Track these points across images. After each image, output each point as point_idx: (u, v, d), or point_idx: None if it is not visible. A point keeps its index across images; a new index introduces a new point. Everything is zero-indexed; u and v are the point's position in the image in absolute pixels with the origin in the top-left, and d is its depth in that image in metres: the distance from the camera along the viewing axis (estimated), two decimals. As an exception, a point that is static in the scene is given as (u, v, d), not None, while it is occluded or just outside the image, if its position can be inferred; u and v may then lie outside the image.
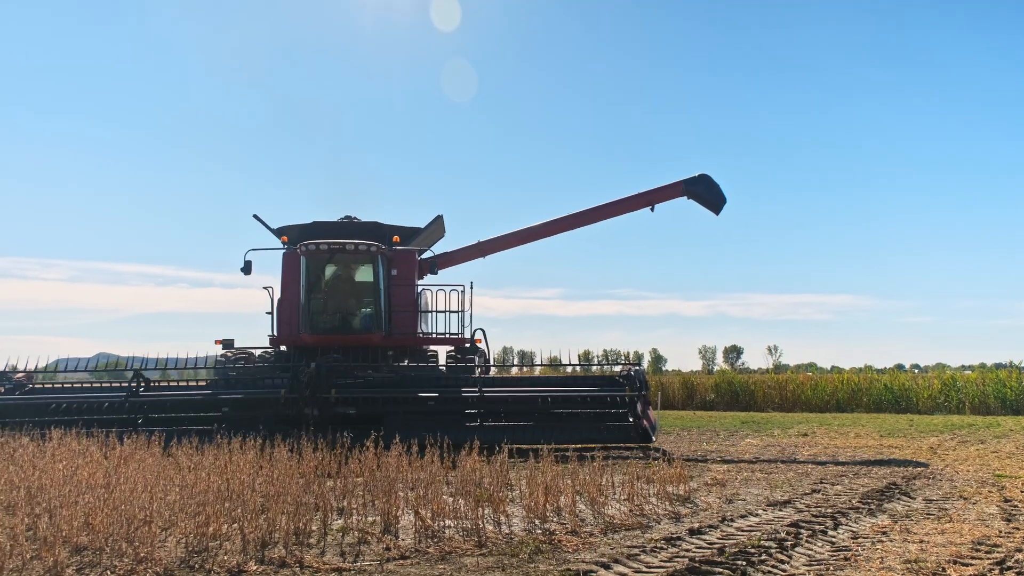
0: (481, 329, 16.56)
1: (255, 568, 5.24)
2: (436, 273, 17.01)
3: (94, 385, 13.38)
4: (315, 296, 15.65)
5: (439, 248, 18.33)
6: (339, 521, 6.52)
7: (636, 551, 5.78)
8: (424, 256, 17.72)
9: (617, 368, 14.45)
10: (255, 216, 16.59)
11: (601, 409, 12.68)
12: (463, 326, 16.16)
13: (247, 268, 15.63)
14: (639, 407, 12.40)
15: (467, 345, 16.05)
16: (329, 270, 16.02)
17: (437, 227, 17.87)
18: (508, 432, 10.49)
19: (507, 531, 6.37)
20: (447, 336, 16.20)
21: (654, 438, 12.12)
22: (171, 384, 13.47)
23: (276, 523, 6.00)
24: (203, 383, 14.35)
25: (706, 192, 17.38)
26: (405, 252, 16.23)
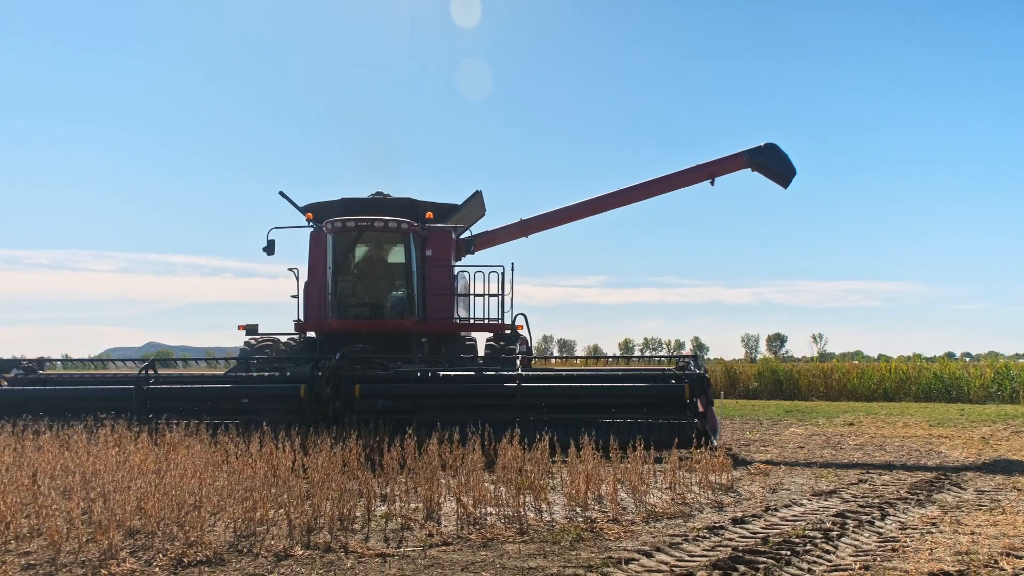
0: (522, 314, 15.19)
1: (301, 552, 5.34)
2: (472, 253, 16.00)
3: (104, 376, 12.69)
4: (342, 278, 14.48)
5: (478, 228, 17.17)
6: (382, 508, 6.61)
7: (678, 540, 5.75)
8: (462, 236, 16.66)
9: (666, 358, 12.94)
10: (281, 193, 15.49)
11: (655, 407, 10.87)
12: (503, 311, 14.90)
13: (270, 248, 14.58)
14: (700, 405, 10.61)
15: (507, 332, 14.81)
16: (359, 250, 14.75)
17: (476, 204, 16.57)
18: (549, 430, 9.25)
19: (548, 519, 6.39)
20: (486, 322, 15.01)
21: (716, 441, 10.18)
22: (185, 375, 12.44)
23: (321, 509, 6.09)
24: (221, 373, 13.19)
25: (773, 163, 15.71)
26: (441, 231, 14.93)
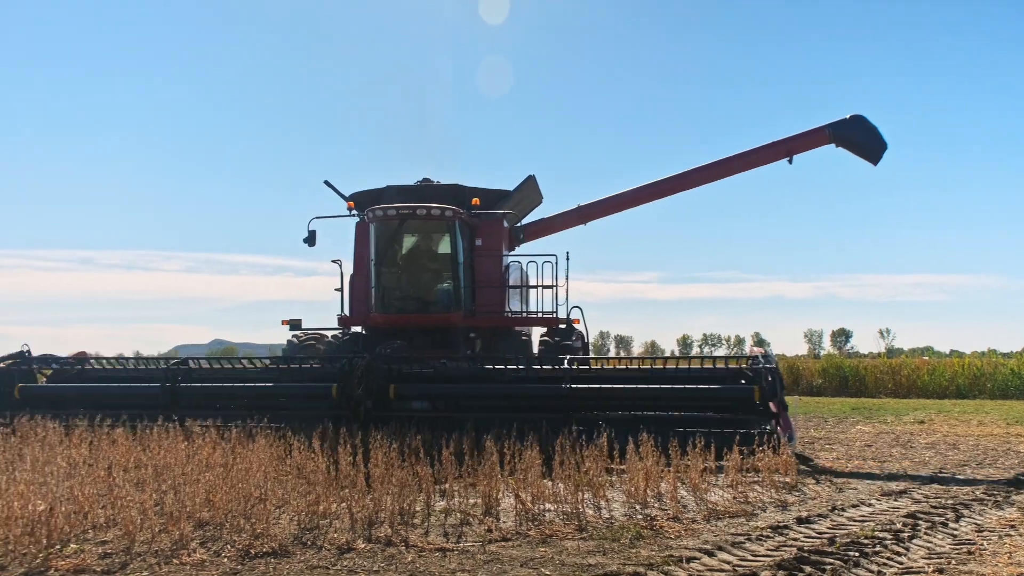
0: (578, 307, 14.17)
1: (363, 546, 5.42)
2: (521, 242, 15.01)
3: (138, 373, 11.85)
4: (386, 269, 13.71)
5: (534, 216, 16.28)
6: (441, 503, 6.66)
7: (741, 539, 5.65)
8: (519, 224, 15.75)
9: (735, 357, 11.12)
10: (326, 182, 14.59)
11: (720, 410, 9.94)
12: (557, 304, 13.95)
13: (311, 239, 13.78)
14: (773, 410, 9.42)
15: (562, 326, 13.91)
16: (402, 239, 13.98)
17: (530, 190, 15.48)
18: (598, 436, 8.56)
19: (607, 516, 6.34)
20: (539, 315, 14.15)
21: (790, 448, 8.87)
22: (216, 370, 11.57)
23: (382, 503, 6.17)
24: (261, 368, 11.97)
25: (860, 136, 14.35)
26: (491, 219, 14.05)
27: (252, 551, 5.23)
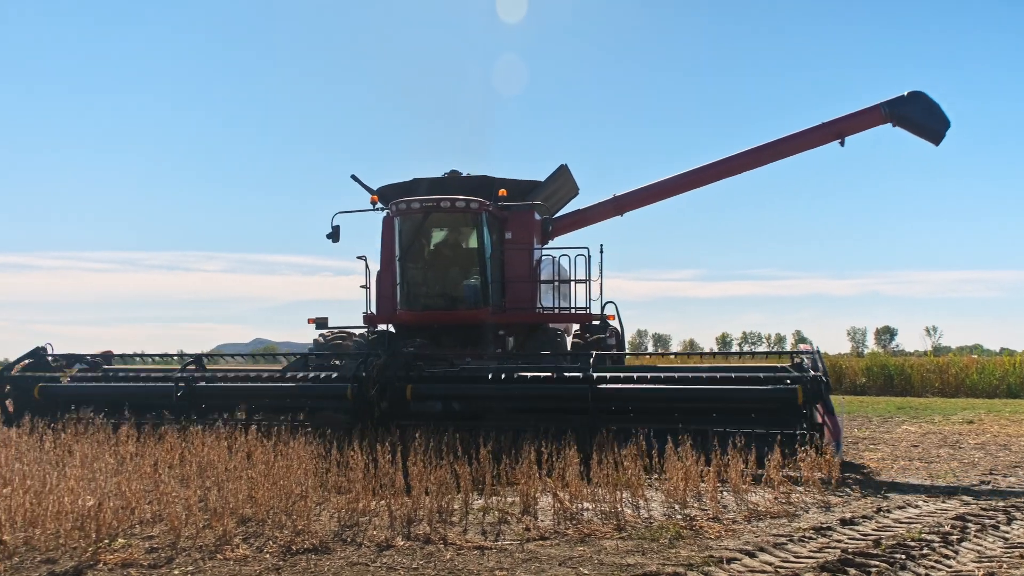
0: (612, 302, 13.62)
1: (402, 543, 5.46)
2: (550, 234, 14.12)
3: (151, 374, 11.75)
4: (410, 265, 13.26)
5: (571, 207, 15.59)
6: (479, 501, 6.67)
7: (783, 540, 5.56)
8: (554, 215, 14.98)
9: (778, 353, 10.39)
10: (353, 176, 14.10)
11: (760, 413, 8.96)
12: (590, 299, 13.36)
13: (335, 234, 13.21)
14: (818, 413, 8.58)
15: (596, 322, 13.40)
16: (426, 234, 13.54)
17: (563, 180, 14.86)
18: (624, 441, 8.06)
19: (646, 515, 6.30)
20: (571, 311, 13.64)
21: (838, 457, 7.96)
22: (229, 372, 11.36)
23: (420, 501, 6.21)
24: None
25: (920, 115, 13.31)
26: (521, 211, 13.50)
27: (294, 547, 5.31)
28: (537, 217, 14.08)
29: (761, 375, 9.38)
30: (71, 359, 12.17)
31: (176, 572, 4.86)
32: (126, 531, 5.65)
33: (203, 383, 10.64)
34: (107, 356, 12.19)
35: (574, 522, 6.02)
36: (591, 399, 9.01)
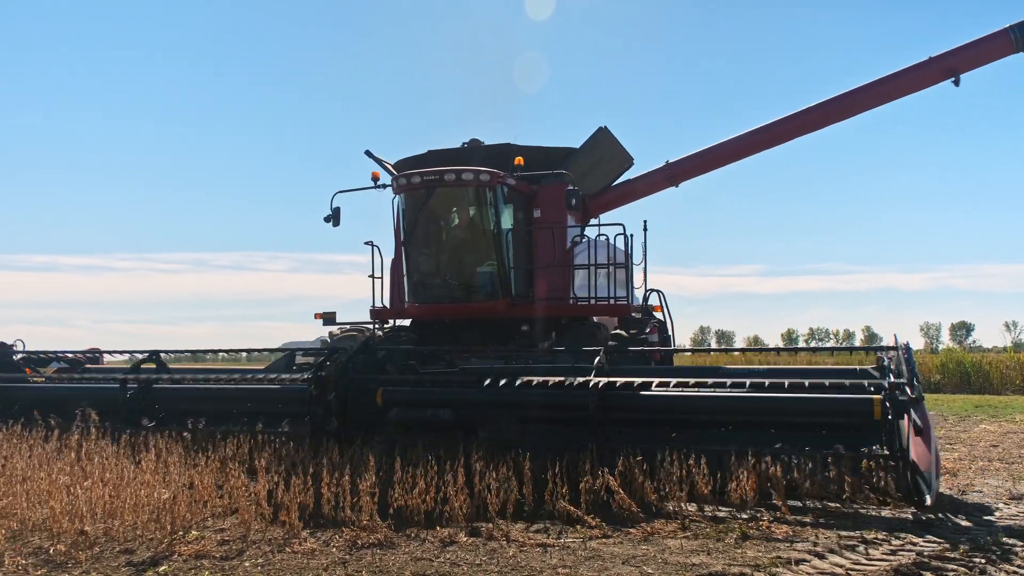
0: (657, 291, 11.90)
1: (465, 539, 5.49)
2: (576, 209, 11.57)
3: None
4: (415, 250, 11.65)
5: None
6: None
7: (854, 542, 5.39)
8: (604, 187, 12.89)
9: (859, 349, 7.15)
10: (367, 153, 12.35)
11: (826, 429, 6.96)
12: (630, 287, 11.32)
13: (334, 217, 11.63)
14: (903, 432, 6.35)
15: (636, 315, 11.51)
16: (434, 212, 11.70)
17: (606, 146, 12.49)
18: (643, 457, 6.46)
19: (711, 515, 6.19)
20: (606, 301, 11.23)
21: (930, 497, 5.90)
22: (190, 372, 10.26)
23: (483, 498, 6.21)
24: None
25: None
26: (553, 184, 11.46)
27: (359, 542, 5.39)
28: (570, 189, 11.99)
29: (828, 381, 7.04)
30: (43, 360, 10.96)
31: (247, 564, 4.99)
32: (199, 524, 5.82)
33: (158, 384, 9.25)
34: (94, 353, 10.72)
35: (638, 521, 5.95)
36: (595, 408, 7.01)
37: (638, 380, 7.10)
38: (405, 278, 11.77)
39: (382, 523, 5.63)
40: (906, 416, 6.37)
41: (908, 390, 6.40)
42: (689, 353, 30.87)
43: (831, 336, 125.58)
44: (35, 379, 10.60)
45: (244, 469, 6.61)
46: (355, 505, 5.82)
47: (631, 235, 11.18)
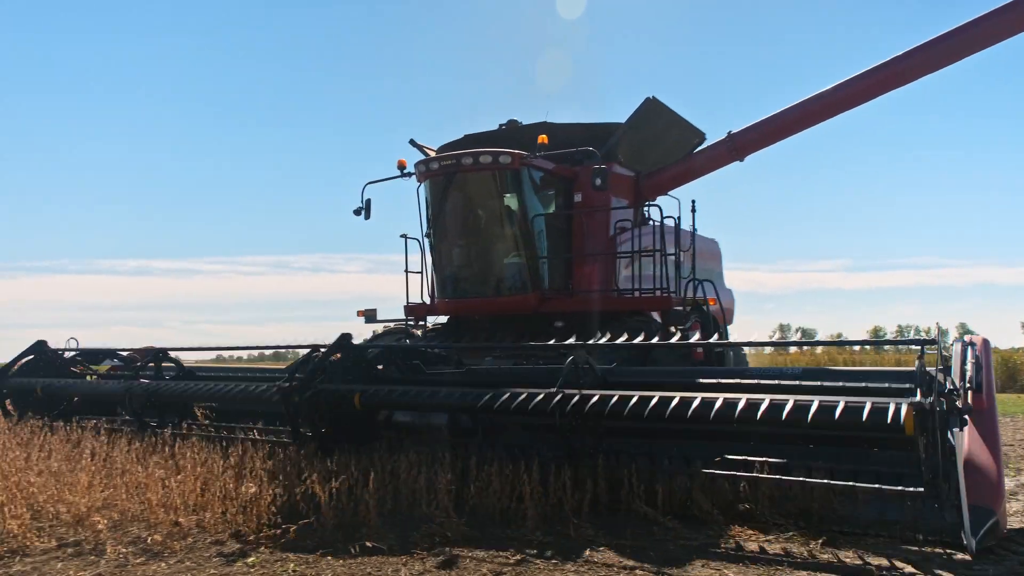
0: (709, 281, 10.73)
1: (543, 538, 5.50)
2: (602, 188, 9.86)
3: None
4: (440, 241, 10.99)
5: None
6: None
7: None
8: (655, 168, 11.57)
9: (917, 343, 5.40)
10: (411, 142, 11.79)
11: (846, 445, 5.83)
12: (666, 276, 9.98)
13: (365, 210, 11.03)
14: (947, 455, 4.90)
15: (681, 308, 10.24)
16: (457, 200, 10.81)
17: (658, 117, 11.15)
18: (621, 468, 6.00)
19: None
20: (647, 293, 10.11)
21: (976, 540, 4.68)
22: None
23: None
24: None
25: None
26: (596, 164, 10.08)
27: (437, 539, 5.44)
28: (622, 171, 11.11)
29: (868, 384, 5.69)
30: (98, 354, 11.03)
31: (330, 558, 5.12)
32: (284, 517, 5.96)
33: (160, 385, 9.11)
34: (157, 353, 10.28)
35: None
36: (562, 415, 6.06)
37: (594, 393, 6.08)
38: (432, 272, 11.25)
39: (459, 520, 5.68)
40: (940, 432, 4.85)
41: (956, 398, 5.00)
42: (768, 350, 29.88)
43: (921, 334, 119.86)
44: (89, 376, 10.66)
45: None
46: (432, 503, 5.88)
47: (678, 217, 10.47)
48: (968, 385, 5.15)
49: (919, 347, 5.24)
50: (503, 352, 9.32)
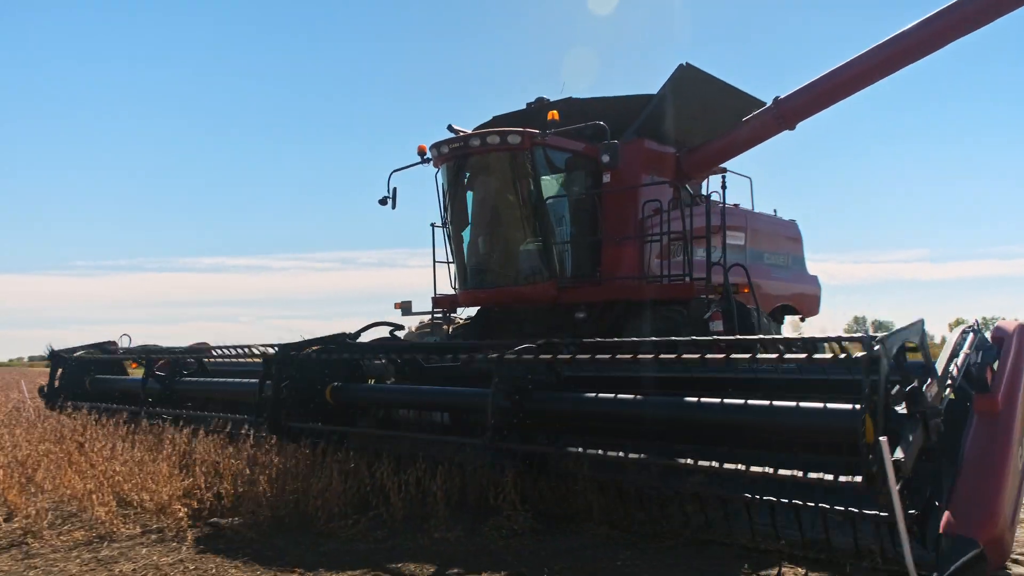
0: (740, 265, 9.46)
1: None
2: (612, 166, 9.32)
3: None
4: (456, 229, 10.59)
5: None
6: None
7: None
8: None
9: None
10: (449, 128, 10.79)
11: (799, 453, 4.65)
12: (688, 261, 9.29)
13: (392, 199, 10.46)
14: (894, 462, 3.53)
15: (708, 296, 9.09)
16: (475, 184, 10.41)
17: (694, 87, 10.25)
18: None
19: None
20: (672, 280, 9.38)
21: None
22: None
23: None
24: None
25: None
26: (630, 143, 9.75)
27: (504, 530, 5.50)
28: (656, 147, 10.29)
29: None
30: (149, 351, 10.65)
31: (388, 544, 5.30)
32: (354, 508, 6.07)
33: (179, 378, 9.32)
34: (198, 349, 10.17)
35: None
36: (509, 410, 5.74)
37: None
38: (452, 261, 10.85)
39: (525, 512, 5.74)
40: (911, 444, 3.75)
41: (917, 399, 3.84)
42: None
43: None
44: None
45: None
46: (499, 495, 5.95)
47: (711, 194, 9.57)
48: (949, 382, 4.20)
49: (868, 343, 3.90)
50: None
